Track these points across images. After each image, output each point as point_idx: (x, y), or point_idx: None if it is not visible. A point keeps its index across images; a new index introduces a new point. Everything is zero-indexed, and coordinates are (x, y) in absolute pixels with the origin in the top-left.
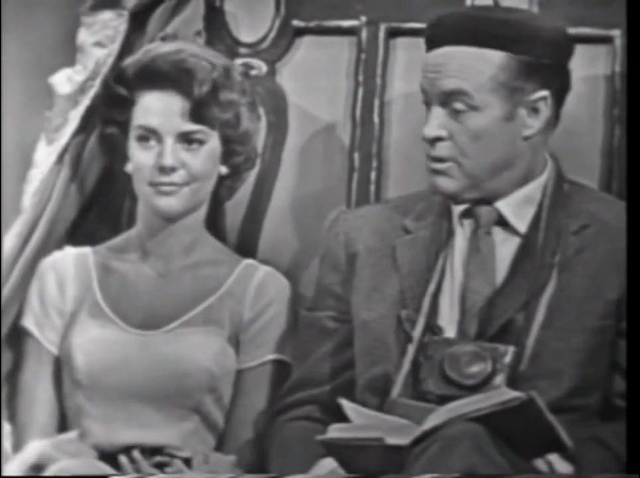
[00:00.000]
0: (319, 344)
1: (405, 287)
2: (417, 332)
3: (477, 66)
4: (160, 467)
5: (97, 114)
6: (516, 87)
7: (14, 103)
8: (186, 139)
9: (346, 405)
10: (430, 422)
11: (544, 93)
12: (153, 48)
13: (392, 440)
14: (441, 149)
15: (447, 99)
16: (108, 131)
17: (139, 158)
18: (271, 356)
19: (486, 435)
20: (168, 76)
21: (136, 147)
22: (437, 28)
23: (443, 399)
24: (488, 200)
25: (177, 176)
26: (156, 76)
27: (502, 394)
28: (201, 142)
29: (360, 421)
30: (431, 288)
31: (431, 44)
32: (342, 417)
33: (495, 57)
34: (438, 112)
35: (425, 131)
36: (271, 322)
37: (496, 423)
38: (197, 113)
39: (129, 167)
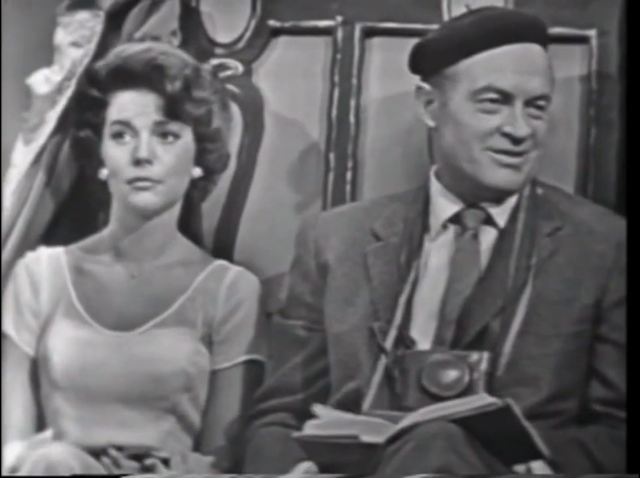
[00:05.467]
0: (291, 353)
1: (377, 298)
2: (388, 344)
3: (544, 63)
4: (138, 458)
5: (71, 117)
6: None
7: None
8: (161, 132)
9: (320, 410)
10: (406, 421)
11: None
12: (124, 49)
13: (367, 438)
14: (526, 144)
15: (533, 99)
16: (82, 134)
17: (115, 155)
18: (245, 357)
19: (462, 435)
20: (141, 74)
21: (111, 145)
22: (507, 22)
23: None
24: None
25: (153, 171)
26: (129, 75)
27: (479, 399)
28: (176, 136)
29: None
30: (403, 298)
31: (503, 39)
32: None
33: (544, 53)
34: (524, 111)
35: (518, 132)
36: (243, 321)
37: (473, 427)
38: (171, 109)
39: (102, 174)
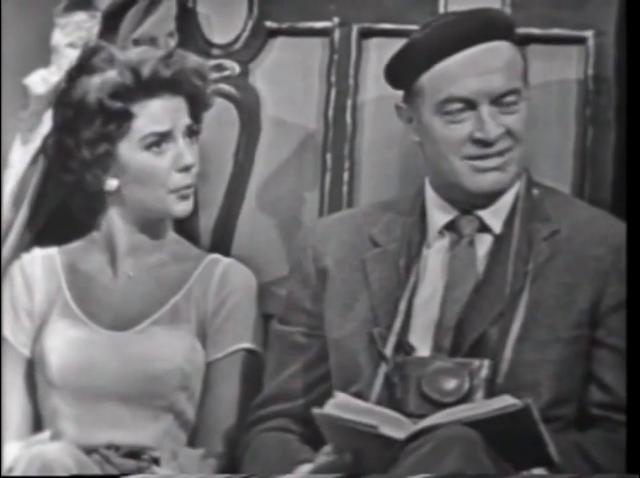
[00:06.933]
0: (291, 360)
1: (376, 304)
2: (388, 351)
3: (512, 58)
4: (135, 457)
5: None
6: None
7: None
8: (189, 133)
9: (339, 394)
10: (428, 421)
11: None
12: (136, 56)
13: (385, 430)
14: (502, 144)
15: (499, 97)
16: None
17: (154, 165)
18: (238, 346)
19: (480, 441)
20: (170, 80)
21: (146, 156)
22: (461, 26)
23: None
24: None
25: (192, 176)
26: (158, 83)
27: (501, 401)
28: (197, 133)
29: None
30: (403, 305)
31: (458, 45)
32: (318, 430)
33: (508, 47)
34: (492, 111)
35: (488, 135)
36: (235, 311)
37: (491, 430)
38: (196, 110)
39: (110, 185)
